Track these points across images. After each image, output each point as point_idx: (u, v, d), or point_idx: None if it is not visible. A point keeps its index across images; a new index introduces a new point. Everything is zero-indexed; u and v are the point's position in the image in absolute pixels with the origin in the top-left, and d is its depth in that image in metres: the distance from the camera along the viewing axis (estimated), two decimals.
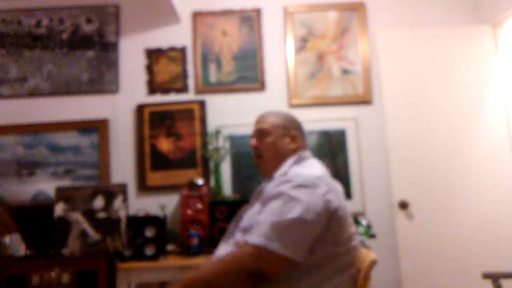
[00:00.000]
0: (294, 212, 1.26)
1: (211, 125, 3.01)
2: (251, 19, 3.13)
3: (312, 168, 1.48)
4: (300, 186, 1.32)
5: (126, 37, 3.14)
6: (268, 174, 1.58)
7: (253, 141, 1.62)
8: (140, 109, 3.03)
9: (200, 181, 2.72)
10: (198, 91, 3.06)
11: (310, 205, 1.28)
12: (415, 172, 2.80)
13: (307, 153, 1.59)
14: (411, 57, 2.92)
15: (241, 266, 1.21)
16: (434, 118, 2.86)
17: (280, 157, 1.56)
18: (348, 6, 3.13)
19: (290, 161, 1.53)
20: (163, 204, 2.81)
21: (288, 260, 1.22)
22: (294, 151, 1.57)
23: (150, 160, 2.97)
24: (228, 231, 1.52)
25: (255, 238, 1.23)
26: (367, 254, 1.52)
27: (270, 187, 1.41)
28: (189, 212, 2.61)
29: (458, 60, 2.91)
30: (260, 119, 1.65)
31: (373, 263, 1.48)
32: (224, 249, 1.42)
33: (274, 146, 1.57)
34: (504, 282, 2.15)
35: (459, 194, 2.78)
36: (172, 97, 3.06)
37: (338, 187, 1.46)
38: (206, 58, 3.10)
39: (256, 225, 1.27)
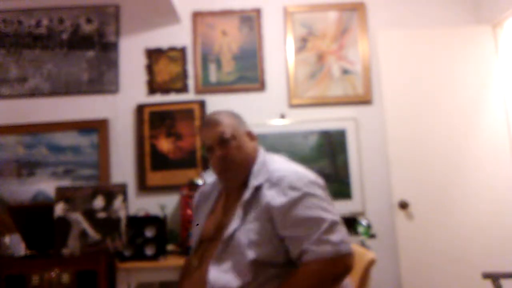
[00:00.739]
0: (326, 209, 1.28)
1: None
2: (251, 19, 3.13)
3: (287, 162, 1.45)
4: (313, 183, 1.32)
5: (126, 37, 3.14)
6: (237, 183, 1.43)
7: (218, 152, 1.42)
8: (140, 109, 3.03)
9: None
10: (198, 91, 3.06)
11: (326, 198, 1.32)
12: (415, 172, 2.80)
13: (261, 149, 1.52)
14: (411, 57, 2.92)
15: (327, 278, 1.22)
16: (434, 118, 2.86)
17: (248, 160, 1.43)
18: (348, 6, 3.14)
19: (262, 157, 1.45)
20: (163, 204, 2.81)
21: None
22: (255, 153, 1.46)
23: (150, 160, 2.97)
24: (207, 251, 1.38)
25: (326, 248, 1.21)
26: (365, 254, 1.51)
27: (271, 196, 1.30)
28: (189, 212, 2.61)
29: (458, 60, 2.91)
30: (212, 124, 1.46)
31: (371, 262, 1.48)
32: (226, 276, 1.28)
33: (240, 150, 1.42)
34: (504, 282, 2.15)
35: (459, 194, 2.78)
36: (172, 97, 3.06)
37: None
38: (206, 58, 3.10)
39: (308, 237, 1.23)
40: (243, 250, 1.27)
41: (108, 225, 2.36)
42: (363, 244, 2.53)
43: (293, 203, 1.26)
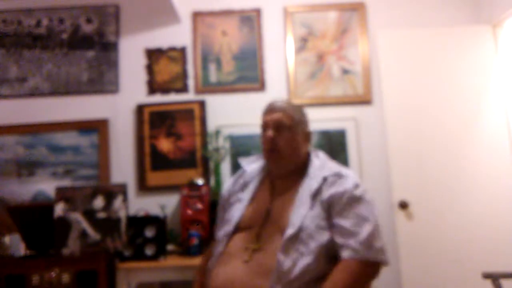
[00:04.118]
0: (376, 217, 1.39)
1: (211, 125, 3.01)
2: (251, 19, 3.13)
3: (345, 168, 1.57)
4: (364, 190, 1.45)
5: (126, 37, 3.14)
6: (281, 170, 1.53)
7: (270, 133, 1.51)
8: (140, 109, 3.03)
9: (200, 181, 2.72)
10: (198, 91, 3.06)
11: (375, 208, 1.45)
12: (415, 172, 2.80)
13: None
14: (411, 57, 2.92)
15: (361, 280, 1.32)
16: (434, 118, 2.86)
17: (296, 156, 1.53)
18: (348, 6, 3.14)
19: (322, 155, 1.58)
20: (163, 204, 2.81)
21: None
22: (305, 153, 1.57)
23: (150, 160, 2.97)
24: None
25: (370, 253, 1.32)
26: None
27: (336, 186, 1.43)
28: (189, 212, 2.62)
29: (458, 60, 2.91)
30: (278, 109, 1.54)
31: None
32: (289, 260, 1.33)
33: (292, 142, 1.52)
34: (504, 282, 2.15)
35: (459, 194, 2.78)
36: (172, 97, 3.06)
37: None
38: (206, 58, 3.10)
39: (356, 234, 1.33)
40: (314, 235, 1.35)
41: (108, 225, 2.36)
42: None
43: (354, 197, 1.39)
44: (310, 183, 1.45)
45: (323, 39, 3.10)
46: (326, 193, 1.41)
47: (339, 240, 1.34)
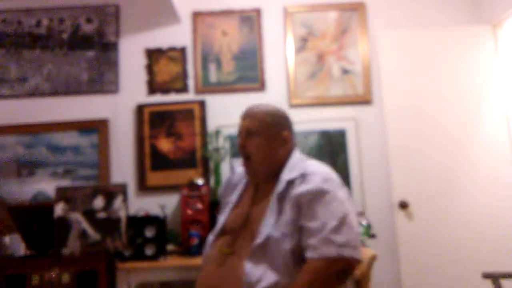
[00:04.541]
0: (344, 210, 1.33)
1: (211, 125, 3.01)
2: (251, 19, 3.13)
3: (323, 165, 1.47)
4: (340, 185, 1.40)
5: (126, 37, 3.14)
6: (256, 179, 1.51)
7: (240, 140, 1.50)
8: (140, 109, 3.03)
9: (200, 181, 2.72)
10: (198, 91, 3.06)
11: (348, 202, 1.38)
12: (415, 172, 2.80)
13: (298, 152, 1.55)
14: (411, 57, 2.92)
15: (329, 277, 1.28)
16: (434, 118, 2.86)
17: (270, 163, 1.47)
18: (348, 6, 3.13)
19: (297, 157, 1.50)
20: (163, 204, 2.81)
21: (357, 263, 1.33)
22: (284, 156, 1.49)
23: (150, 160, 2.97)
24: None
25: (330, 250, 1.26)
26: (366, 251, 1.53)
27: (301, 187, 1.37)
28: (189, 212, 2.61)
29: (458, 60, 2.91)
30: (249, 115, 1.51)
31: (373, 258, 1.50)
32: (256, 270, 1.32)
33: (263, 149, 1.47)
34: (504, 282, 2.15)
35: (459, 194, 2.78)
36: (172, 97, 3.06)
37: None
38: (206, 58, 3.10)
39: (318, 231, 1.29)
40: (279, 244, 1.31)
41: (108, 225, 2.36)
42: (363, 244, 2.53)
43: (318, 194, 1.33)
44: (278, 188, 1.41)
45: (323, 39, 3.10)
46: (293, 195, 1.36)
47: (304, 242, 1.31)
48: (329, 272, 1.26)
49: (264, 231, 1.34)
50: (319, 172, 1.39)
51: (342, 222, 1.29)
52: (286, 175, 1.42)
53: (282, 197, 1.38)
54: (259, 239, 1.34)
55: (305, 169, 1.41)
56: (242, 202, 1.53)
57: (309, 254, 1.28)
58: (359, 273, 1.48)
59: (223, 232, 1.49)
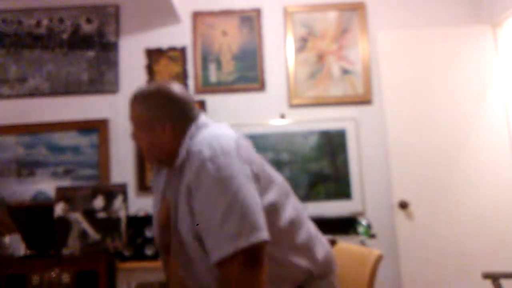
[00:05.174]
0: (234, 190, 1.08)
1: None
2: (251, 19, 3.13)
3: (214, 130, 1.22)
4: (215, 157, 1.11)
5: (126, 37, 3.14)
6: (156, 164, 1.32)
7: (132, 136, 1.31)
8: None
9: None
10: (198, 91, 3.06)
11: (240, 173, 1.11)
12: (415, 172, 2.80)
13: (200, 121, 1.26)
14: (411, 57, 2.92)
15: (242, 275, 1.06)
16: (434, 118, 2.86)
17: (158, 154, 1.26)
18: (348, 6, 3.13)
19: (192, 131, 1.23)
20: None
21: (266, 242, 1.09)
22: (175, 143, 1.23)
23: None
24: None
25: (225, 247, 1.05)
26: (370, 251, 1.54)
27: (187, 174, 1.15)
28: None
29: (458, 60, 2.91)
30: (130, 104, 1.29)
31: (379, 258, 1.50)
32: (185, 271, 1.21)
33: (146, 142, 1.26)
34: (504, 282, 2.15)
35: (459, 194, 2.78)
36: None
37: (245, 142, 1.24)
38: (206, 58, 3.10)
39: (207, 230, 1.08)
40: (186, 240, 1.15)
41: (108, 225, 2.36)
42: (363, 244, 2.53)
43: (197, 181, 1.11)
44: (168, 175, 1.25)
45: (323, 39, 3.10)
46: (184, 183, 1.15)
47: (204, 247, 1.11)
48: (234, 271, 1.05)
49: (174, 225, 1.18)
50: (197, 150, 1.14)
51: (229, 208, 1.06)
52: (177, 160, 1.20)
53: (176, 186, 1.19)
54: (172, 230, 1.18)
55: (189, 148, 1.17)
56: (165, 192, 1.34)
57: (211, 259, 1.08)
58: (367, 273, 1.48)
59: (160, 227, 1.30)
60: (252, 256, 1.06)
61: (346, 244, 1.93)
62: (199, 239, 1.12)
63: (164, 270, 1.35)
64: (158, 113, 1.24)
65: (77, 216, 2.37)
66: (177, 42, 3.12)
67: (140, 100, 1.26)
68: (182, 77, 3.08)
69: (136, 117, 1.26)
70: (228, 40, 3.11)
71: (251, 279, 1.07)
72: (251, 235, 1.05)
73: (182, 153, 1.18)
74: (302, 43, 3.10)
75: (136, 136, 1.29)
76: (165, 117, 1.24)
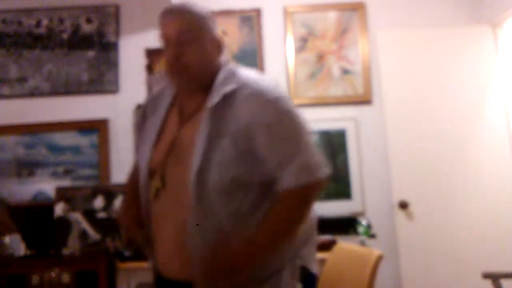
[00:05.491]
0: (305, 126, 1.16)
1: None
2: (251, 19, 3.13)
3: (261, 75, 1.26)
4: (289, 98, 1.21)
5: (126, 37, 3.14)
6: (188, 87, 1.22)
7: (173, 50, 1.18)
8: (140, 109, 3.02)
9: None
10: None
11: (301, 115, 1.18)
12: (415, 172, 2.80)
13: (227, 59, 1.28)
14: (411, 57, 2.92)
15: (305, 205, 1.13)
16: (434, 118, 2.86)
17: (208, 72, 1.20)
18: (348, 6, 3.13)
19: (232, 65, 1.25)
20: None
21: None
22: (219, 65, 1.23)
23: None
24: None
25: (303, 175, 1.09)
26: (371, 251, 1.54)
27: (250, 111, 1.12)
28: None
29: (458, 60, 2.91)
30: (178, 14, 1.22)
31: (379, 258, 1.50)
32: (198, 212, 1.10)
33: (203, 55, 1.18)
34: (504, 282, 2.15)
35: (459, 194, 2.78)
36: None
37: None
38: None
39: (284, 158, 1.10)
40: (220, 169, 1.10)
41: (108, 225, 2.36)
42: (363, 244, 2.53)
43: (277, 120, 1.12)
44: (212, 101, 1.14)
45: (323, 39, 3.10)
46: (239, 118, 1.11)
47: (273, 173, 1.11)
48: (308, 200, 1.13)
49: (196, 160, 1.09)
50: (265, 87, 1.16)
51: (306, 144, 1.13)
52: (221, 87, 1.15)
53: (218, 114, 1.13)
54: (192, 171, 1.09)
55: (243, 82, 1.16)
56: (168, 127, 1.24)
57: (282, 185, 1.09)
58: (368, 273, 1.48)
59: (151, 170, 1.20)
60: (314, 191, 1.13)
61: (346, 244, 1.93)
62: (233, 182, 1.10)
63: (144, 223, 1.24)
64: (209, 26, 1.20)
65: (77, 216, 2.37)
66: None
67: (193, 10, 1.20)
68: None
69: (187, 28, 1.17)
70: (228, 40, 3.11)
71: (304, 212, 1.13)
72: (321, 171, 1.13)
73: (230, 85, 1.15)
74: (302, 43, 3.10)
75: (183, 50, 1.17)
76: (214, 33, 1.21)
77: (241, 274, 1.09)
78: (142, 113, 1.39)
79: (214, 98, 1.14)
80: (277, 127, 1.12)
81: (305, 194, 1.12)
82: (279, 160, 1.11)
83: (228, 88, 1.14)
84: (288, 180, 1.10)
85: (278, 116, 1.13)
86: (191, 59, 1.16)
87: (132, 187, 1.35)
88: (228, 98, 1.13)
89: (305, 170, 1.10)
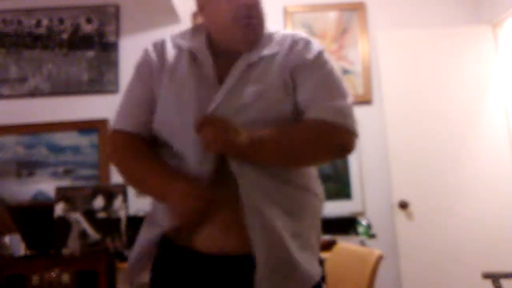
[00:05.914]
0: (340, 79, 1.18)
1: None
2: None
3: None
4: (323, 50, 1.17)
5: (126, 37, 3.14)
6: (255, 42, 1.19)
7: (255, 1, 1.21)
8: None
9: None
10: None
11: None
12: (415, 172, 2.80)
13: None
14: (411, 57, 2.92)
15: (324, 141, 1.07)
16: (434, 118, 2.86)
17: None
18: (348, 6, 3.13)
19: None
20: None
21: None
22: None
23: None
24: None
25: (338, 116, 1.07)
26: (371, 251, 1.54)
27: (291, 54, 1.12)
28: None
29: (458, 60, 2.91)
30: None
31: (380, 258, 1.50)
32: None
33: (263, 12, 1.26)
34: (504, 282, 2.15)
35: (459, 194, 2.78)
36: None
37: None
38: None
39: (331, 99, 1.09)
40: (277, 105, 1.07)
41: (108, 225, 2.36)
42: (363, 244, 2.53)
43: (321, 64, 1.13)
44: (250, 57, 1.13)
45: (323, 39, 3.10)
46: (291, 58, 1.12)
47: (308, 103, 1.08)
48: (329, 140, 1.07)
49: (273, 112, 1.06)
50: (311, 40, 1.18)
51: (346, 94, 1.14)
52: (264, 49, 1.16)
53: (252, 68, 1.11)
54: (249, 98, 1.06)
55: (292, 35, 1.20)
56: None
57: (314, 113, 1.06)
58: (368, 272, 1.48)
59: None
60: (339, 137, 1.08)
61: (346, 244, 1.93)
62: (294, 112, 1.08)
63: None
64: None
65: (77, 216, 2.37)
66: None
67: None
68: None
69: None
70: None
71: (320, 149, 1.08)
72: (355, 126, 1.11)
73: (286, 38, 1.19)
74: None
75: (260, 5, 1.24)
76: None
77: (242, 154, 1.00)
78: (155, 62, 1.26)
79: (252, 56, 1.13)
80: (324, 71, 1.13)
81: (330, 133, 1.06)
82: (317, 96, 1.09)
83: (270, 51, 1.16)
84: (320, 112, 1.06)
85: (326, 62, 1.14)
86: (261, 11, 1.23)
87: (160, 161, 1.14)
88: (267, 60, 1.14)
89: (340, 113, 1.08)
